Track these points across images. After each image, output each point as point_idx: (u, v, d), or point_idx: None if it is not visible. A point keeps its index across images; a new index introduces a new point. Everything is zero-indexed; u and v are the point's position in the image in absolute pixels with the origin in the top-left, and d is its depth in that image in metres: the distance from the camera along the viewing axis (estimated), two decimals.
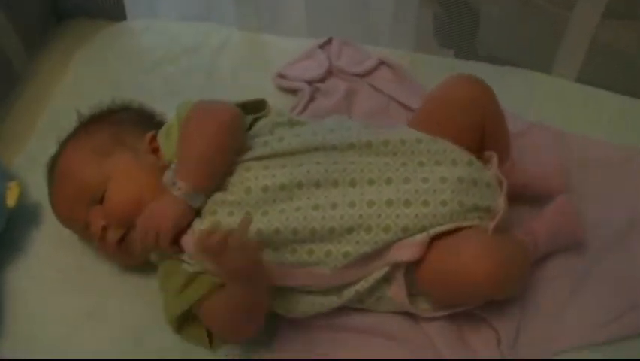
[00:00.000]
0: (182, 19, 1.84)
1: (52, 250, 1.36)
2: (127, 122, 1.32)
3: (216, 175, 1.21)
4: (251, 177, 1.20)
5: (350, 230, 1.17)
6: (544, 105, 1.58)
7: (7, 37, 1.61)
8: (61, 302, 1.30)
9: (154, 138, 1.29)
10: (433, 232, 1.18)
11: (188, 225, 1.20)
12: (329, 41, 1.69)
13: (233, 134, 1.23)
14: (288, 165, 1.21)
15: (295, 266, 1.17)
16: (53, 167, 1.30)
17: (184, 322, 1.23)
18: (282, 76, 1.62)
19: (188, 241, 1.19)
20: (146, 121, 1.34)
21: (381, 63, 1.64)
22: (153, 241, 1.17)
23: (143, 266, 1.29)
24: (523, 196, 1.34)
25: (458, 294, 1.17)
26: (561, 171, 1.37)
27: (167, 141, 1.27)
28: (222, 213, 1.18)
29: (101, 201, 1.23)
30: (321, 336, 1.24)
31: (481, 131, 1.29)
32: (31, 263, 1.35)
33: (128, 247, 1.25)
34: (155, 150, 1.28)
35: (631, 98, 1.58)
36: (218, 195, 1.20)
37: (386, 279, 1.20)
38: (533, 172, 1.36)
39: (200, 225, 1.19)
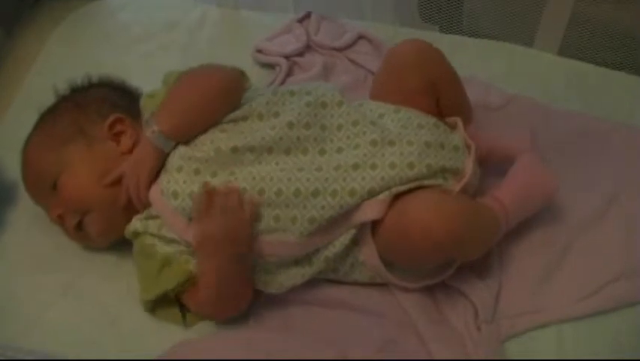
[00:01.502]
0: None
1: (28, 229, 1.36)
2: (92, 104, 1.30)
3: (194, 127, 1.22)
4: (223, 138, 1.21)
5: (315, 194, 1.17)
6: (525, 78, 1.58)
7: None
8: (37, 280, 1.30)
9: (117, 122, 1.28)
10: (395, 190, 1.18)
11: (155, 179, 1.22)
12: (307, 16, 1.69)
13: (227, 95, 1.26)
14: (260, 129, 1.22)
15: (262, 233, 1.17)
16: (22, 151, 1.31)
17: (157, 303, 1.24)
18: (259, 51, 1.62)
19: (152, 195, 1.21)
20: (117, 99, 1.33)
21: (361, 37, 1.64)
22: (135, 191, 1.21)
23: (119, 245, 1.29)
24: (490, 166, 1.33)
25: (413, 249, 1.15)
26: (525, 132, 1.37)
27: (151, 100, 1.28)
28: (188, 170, 1.19)
29: (56, 189, 1.25)
30: (297, 310, 1.24)
31: (435, 93, 1.29)
32: (6, 241, 1.36)
33: (86, 231, 1.26)
34: (117, 135, 1.28)
35: (612, 70, 1.59)
36: (187, 151, 1.20)
37: (355, 242, 1.20)
38: (496, 136, 1.35)
39: (165, 180, 1.19)
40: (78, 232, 1.26)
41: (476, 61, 1.54)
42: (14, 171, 1.37)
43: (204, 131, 1.22)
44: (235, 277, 1.17)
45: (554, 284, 1.26)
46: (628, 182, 1.38)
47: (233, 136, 1.21)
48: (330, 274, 1.23)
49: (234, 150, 1.19)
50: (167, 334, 1.22)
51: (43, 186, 1.26)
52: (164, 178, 1.20)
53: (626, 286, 1.25)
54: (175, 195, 1.18)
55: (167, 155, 1.21)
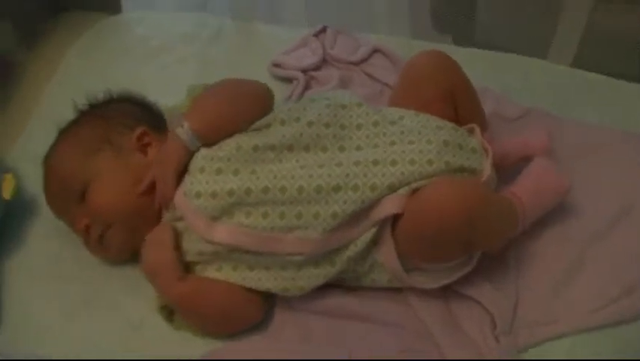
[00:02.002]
0: (178, 9, 1.89)
1: (48, 242, 1.37)
2: (117, 116, 1.32)
3: (222, 129, 1.24)
4: (245, 139, 1.23)
5: (337, 189, 1.18)
6: (539, 91, 1.59)
7: (5, 29, 1.64)
8: (58, 292, 1.31)
9: (144, 134, 1.30)
10: (415, 185, 1.19)
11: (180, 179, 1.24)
12: (323, 30, 1.71)
13: (256, 103, 1.28)
14: (281, 128, 1.25)
15: (284, 231, 1.18)
16: (45, 162, 1.32)
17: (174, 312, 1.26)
18: (277, 65, 1.64)
19: (176, 197, 1.23)
20: (139, 113, 1.35)
21: (376, 50, 1.66)
22: (162, 188, 1.22)
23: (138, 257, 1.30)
24: (505, 172, 1.35)
25: (431, 232, 1.15)
26: (543, 133, 1.38)
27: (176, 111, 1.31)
28: (210, 170, 1.20)
29: (84, 199, 1.26)
30: (317, 321, 1.24)
31: (453, 102, 1.32)
32: (27, 254, 1.36)
33: (108, 243, 1.28)
34: (144, 147, 1.30)
35: (626, 82, 1.60)
36: (209, 152, 1.22)
37: (375, 242, 1.21)
38: (513, 141, 1.37)
39: (189, 182, 1.21)
40: (99, 244, 1.27)
41: (491, 73, 1.56)
42: (34, 183, 1.38)
43: (228, 136, 1.23)
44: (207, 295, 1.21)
45: (570, 294, 1.27)
46: None
47: (255, 137, 1.23)
48: (349, 273, 1.24)
49: (255, 148, 1.21)
50: (189, 344, 1.23)
51: (70, 197, 1.26)
52: (187, 180, 1.22)
53: None
54: (198, 195, 1.19)
55: (191, 158, 1.23)
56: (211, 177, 1.20)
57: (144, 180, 1.25)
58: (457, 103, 1.33)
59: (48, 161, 1.32)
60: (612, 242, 1.33)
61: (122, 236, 1.27)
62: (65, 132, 1.33)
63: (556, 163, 1.35)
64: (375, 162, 1.21)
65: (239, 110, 1.26)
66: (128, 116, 1.33)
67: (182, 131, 1.21)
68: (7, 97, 1.64)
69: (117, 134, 1.29)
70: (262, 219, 1.18)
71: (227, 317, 1.22)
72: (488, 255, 1.25)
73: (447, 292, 1.25)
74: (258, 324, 1.25)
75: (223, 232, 1.19)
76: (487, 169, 1.25)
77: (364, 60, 1.64)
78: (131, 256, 1.29)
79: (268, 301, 1.25)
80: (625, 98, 1.57)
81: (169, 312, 1.25)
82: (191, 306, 1.22)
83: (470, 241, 1.18)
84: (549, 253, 1.31)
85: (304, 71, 1.61)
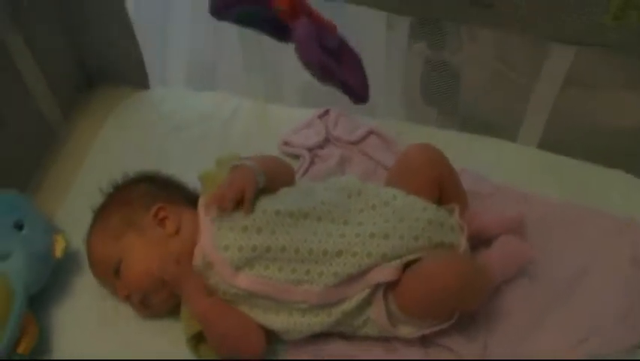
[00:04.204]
0: (187, 81, 2.11)
1: (92, 295, 1.54)
2: (136, 199, 1.52)
3: (274, 182, 1.49)
4: (268, 203, 1.45)
5: (339, 254, 1.40)
6: (509, 170, 1.74)
7: (46, 101, 1.80)
8: (101, 339, 1.49)
9: (160, 210, 1.49)
10: (405, 259, 1.40)
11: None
12: (327, 112, 1.86)
13: (291, 175, 1.58)
14: (299, 200, 1.47)
15: (295, 283, 1.39)
16: (86, 243, 1.53)
17: (200, 341, 1.43)
18: (286, 143, 1.80)
19: (206, 246, 1.44)
20: (155, 191, 1.54)
21: (371, 132, 1.81)
22: (237, 195, 1.42)
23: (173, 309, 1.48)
24: (480, 244, 1.53)
25: (432, 301, 1.38)
26: (516, 212, 1.58)
27: (210, 179, 1.52)
28: (238, 229, 1.41)
29: (119, 274, 1.45)
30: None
31: (439, 187, 1.55)
32: (73, 307, 1.54)
33: (151, 305, 1.48)
34: (162, 221, 1.49)
35: (588, 163, 1.74)
36: (236, 215, 1.42)
37: (369, 302, 1.42)
38: (491, 219, 1.57)
39: (218, 237, 1.42)
40: (143, 307, 1.48)
41: (466, 153, 1.74)
42: (78, 243, 1.55)
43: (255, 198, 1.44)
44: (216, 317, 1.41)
45: (534, 343, 1.44)
46: (599, 258, 1.54)
47: (277, 203, 1.46)
48: (347, 327, 1.45)
49: (277, 212, 1.43)
50: None
51: (107, 273, 1.47)
52: (217, 235, 1.42)
53: (596, 342, 1.42)
54: (226, 248, 1.40)
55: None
56: (238, 234, 1.41)
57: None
58: (442, 188, 1.55)
59: (87, 243, 1.51)
60: (570, 301, 1.48)
61: (159, 298, 1.47)
62: (96, 217, 1.53)
63: (522, 235, 1.55)
64: (372, 235, 1.43)
65: (285, 173, 1.54)
66: (145, 196, 1.52)
67: (253, 166, 1.44)
68: (50, 163, 1.80)
69: (138, 216, 1.48)
70: (278, 272, 1.40)
71: (238, 338, 1.40)
72: (464, 313, 1.45)
73: (426, 343, 1.44)
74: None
75: (245, 280, 1.41)
76: (462, 244, 1.47)
77: (361, 140, 1.80)
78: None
79: (270, 342, 1.43)
80: (585, 177, 1.72)
81: (196, 342, 1.42)
82: (213, 320, 1.40)
83: (460, 303, 1.41)
84: (514, 310, 1.47)
85: (309, 149, 1.77)
